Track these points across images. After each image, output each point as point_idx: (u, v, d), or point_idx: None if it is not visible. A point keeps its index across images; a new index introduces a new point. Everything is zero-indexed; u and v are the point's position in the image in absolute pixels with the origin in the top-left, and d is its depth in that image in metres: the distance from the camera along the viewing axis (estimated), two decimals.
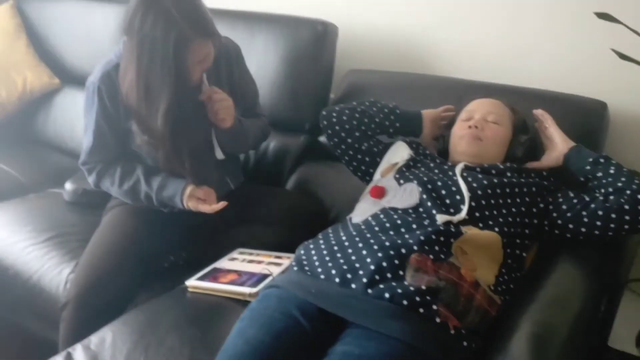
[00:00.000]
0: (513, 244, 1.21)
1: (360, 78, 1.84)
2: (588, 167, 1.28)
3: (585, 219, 1.21)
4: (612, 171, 1.25)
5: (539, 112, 1.45)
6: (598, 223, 1.20)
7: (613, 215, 1.18)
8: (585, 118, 1.50)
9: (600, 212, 1.19)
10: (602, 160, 1.28)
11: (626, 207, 1.16)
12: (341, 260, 1.14)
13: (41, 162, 2.19)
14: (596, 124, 1.50)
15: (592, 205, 1.21)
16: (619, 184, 1.21)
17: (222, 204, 1.41)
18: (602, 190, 1.24)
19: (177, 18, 1.28)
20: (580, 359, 1.06)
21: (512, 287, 1.20)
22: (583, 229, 1.22)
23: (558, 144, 1.37)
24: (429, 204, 1.22)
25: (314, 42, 1.79)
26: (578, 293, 1.18)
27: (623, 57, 1.23)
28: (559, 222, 1.25)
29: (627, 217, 1.17)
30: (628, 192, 1.18)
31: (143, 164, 1.53)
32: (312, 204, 1.65)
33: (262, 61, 1.81)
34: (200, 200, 1.46)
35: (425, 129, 1.53)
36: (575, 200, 1.25)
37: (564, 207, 1.25)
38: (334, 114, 1.50)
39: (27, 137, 2.34)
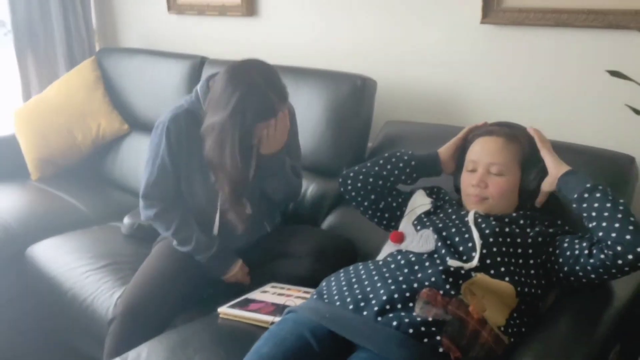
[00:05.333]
0: (528, 293, 1.24)
1: (397, 129, 1.94)
2: (574, 205, 1.27)
3: (580, 273, 1.24)
4: (594, 214, 1.22)
5: (531, 131, 1.42)
6: (592, 276, 1.22)
7: (601, 270, 1.20)
8: (614, 172, 1.51)
9: (589, 267, 1.22)
10: (586, 195, 1.25)
11: (608, 263, 1.18)
12: (357, 291, 1.23)
13: (106, 198, 2.43)
14: (625, 178, 1.51)
15: (582, 260, 1.22)
16: (600, 233, 1.20)
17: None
18: (589, 239, 1.24)
19: (266, 92, 1.49)
20: None
21: (523, 330, 1.22)
22: (584, 280, 1.25)
23: (551, 169, 1.35)
24: (443, 251, 1.27)
25: (353, 95, 1.92)
26: (585, 340, 1.19)
27: (638, 112, 1.27)
28: (561, 275, 1.28)
29: (613, 271, 1.19)
30: (609, 243, 1.18)
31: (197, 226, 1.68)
32: (340, 241, 1.73)
33: (306, 111, 1.96)
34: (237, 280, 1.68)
35: (446, 168, 1.53)
36: (568, 253, 1.25)
37: (561, 260, 1.26)
38: (349, 181, 1.54)
39: (97, 176, 2.59)
